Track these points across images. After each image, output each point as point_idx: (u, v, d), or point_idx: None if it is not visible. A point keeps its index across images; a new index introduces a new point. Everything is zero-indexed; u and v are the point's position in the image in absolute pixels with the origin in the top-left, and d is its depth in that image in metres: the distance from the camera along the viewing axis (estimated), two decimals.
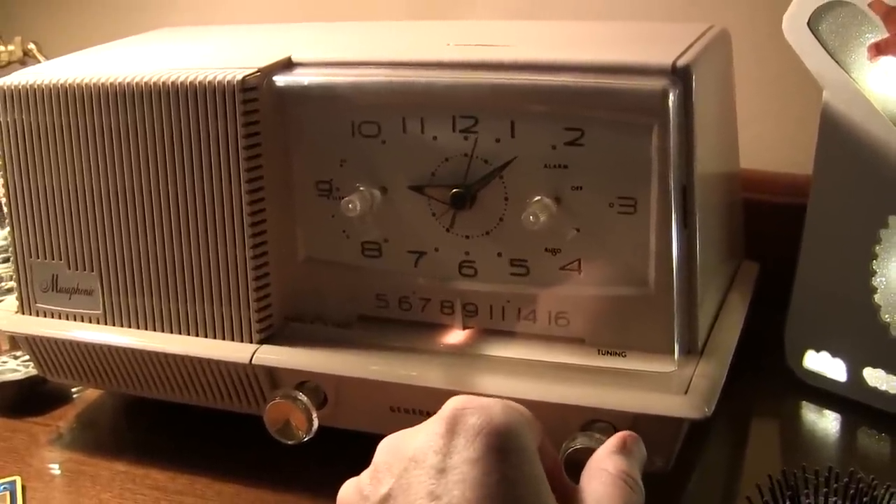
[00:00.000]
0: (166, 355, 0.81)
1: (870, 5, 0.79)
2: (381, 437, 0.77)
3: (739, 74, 0.89)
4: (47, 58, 1.13)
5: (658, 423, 0.70)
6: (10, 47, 1.18)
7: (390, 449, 0.58)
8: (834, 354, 0.87)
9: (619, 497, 0.58)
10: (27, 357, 0.94)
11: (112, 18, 1.35)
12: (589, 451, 0.67)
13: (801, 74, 0.85)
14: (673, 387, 0.71)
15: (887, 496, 0.66)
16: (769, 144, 1.06)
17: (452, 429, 0.55)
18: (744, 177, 0.95)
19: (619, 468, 0.60)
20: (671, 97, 0.69)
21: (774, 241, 0.92)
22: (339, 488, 0.70)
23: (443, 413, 0.57)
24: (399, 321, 0.79)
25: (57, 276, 0.85)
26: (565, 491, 0.60)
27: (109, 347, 0.84)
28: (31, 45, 1.19)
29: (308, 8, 1.26)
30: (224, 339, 0.80)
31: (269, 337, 0.80)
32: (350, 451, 0.74)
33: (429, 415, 0.75)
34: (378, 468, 0.58)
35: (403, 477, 0.55)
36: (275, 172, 0.78)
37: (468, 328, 0.77)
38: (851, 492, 0.67)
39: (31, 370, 0.94)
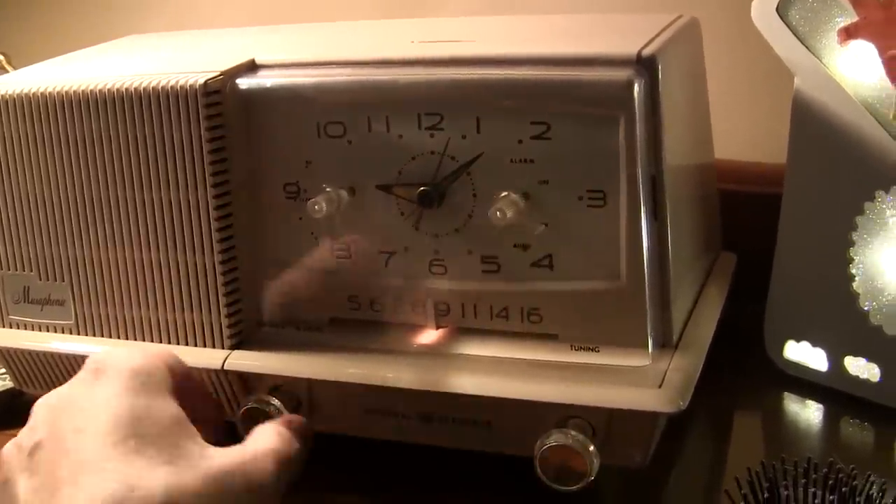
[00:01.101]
0: None
1: None
2: (358, 439, 0.77)
3: (711, 64, 0.89)
4: (16, 69, 1.12)
5: (633, 417, 0.69)
6: None
7: (45, 406, 0.64)
8: (814, 344, 0.87)
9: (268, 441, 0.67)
10: (2, 370, 0.93)
11: (83, 28, 1.35)
12: (564, 448, 0.67)
13: (772, 62, 0.84)
14: (647, 381, 0.70)
15: (868, 485, 0.66)
16: (743, 134, 1.05)
17: (95, 375, 0.64)
18: (718, 167, 0.94)
19: (277, 427, 0.69)
20: (636, 88, 0.68)
21: (751, 231, 0.92)
22: (315, 489, 0.70)
23: (87, 366, 0.66)
24: (371, 322, 0.78)
25: (28, 287, 0.85)
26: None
27: (83, 357, 0.83)
28: (0, 57, 1.19)
29: (278, 11, 1.26)
30: (196, 345, 0.80)
31: (241, 342, 0.79)
32: (326, 452, 0.74)
33: (404, 417, 0.75)
34: (34, 423, 0.63)
35: (55, 424, 0.62)
36: (241, 176, 0.77)
37: (441, 327, 0.77)
38: (831, 482, 0.66)
39: (8, 383, 0.93)
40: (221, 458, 0.62)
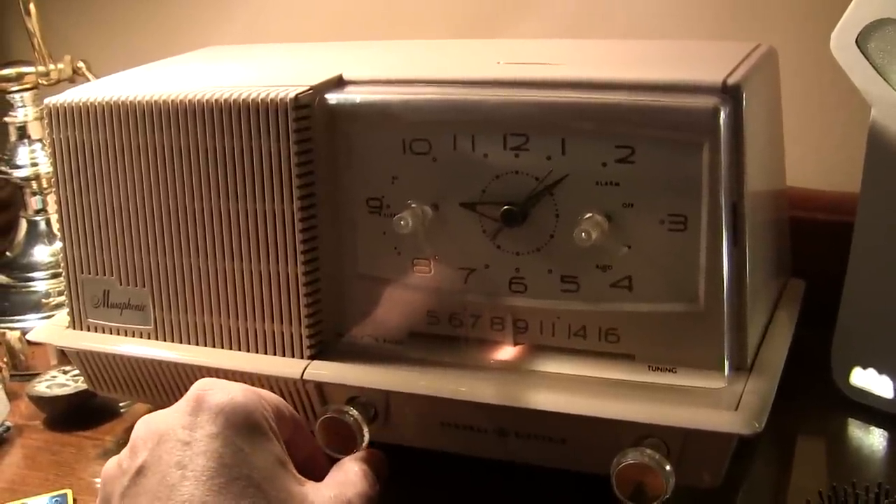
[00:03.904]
0: (217, 371, 0.81)
1: None
2: (432, 452, 0.78)
3: (784, 91, 0.89)
4: (97, 76, 1.14)
5: (708, 438, 0.70)
6: (60, 66, 1.19)
7: (146, 426, 0.66)
8: (881, 371, 0.88)
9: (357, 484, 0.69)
10: (77, 372, 0.95)
11: (160, 37, 1.36)
12: (641, 466, 0.68)
13: (846, 92, 0.85)
14: (723, 403, 0.71)
15: None
16: (813, 162, 1.06)
17: (198, 407, 0.64)
18: (789, 194, 0.95)
19: (362, 466, 0.71)
20: (722, 115, 0.69)
21: (818, 258, 0.92)
22: (387, 501, 0.71)
23: (190, 394, 0.65)
24: (450, 337, 0.79)
25: (108, 291, 0.86)
26: (322, 472, 0.71)
27: (160, 362, 0.84)
28: (81, 64, 1.20)
29: (353, 26, 1.27)
30: (275, 354, 0.81)
31: (320, 353, 0.81)
32: (400, 466, 0.75)
33: (480, 431, 0.76)
34: (135, 443, 0.65)
35: (156, 450, 0.63)
36: (326, 189, 0.79)
37: (518, 344, 0.78)
38: None
39: (81, 385, 0.95)
40: (321, 503, 0.65)
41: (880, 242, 0.86)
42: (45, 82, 1.20)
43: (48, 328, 0.92)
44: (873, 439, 0.87)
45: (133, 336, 0.86)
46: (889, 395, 0.87)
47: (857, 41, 0.82)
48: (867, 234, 0.87)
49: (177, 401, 0.85)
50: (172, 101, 0.80)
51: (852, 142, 0.88)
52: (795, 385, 0.84)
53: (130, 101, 0.81)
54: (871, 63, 0.82)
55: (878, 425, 0.88)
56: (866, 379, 0.89)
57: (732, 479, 0.76)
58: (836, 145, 1.06)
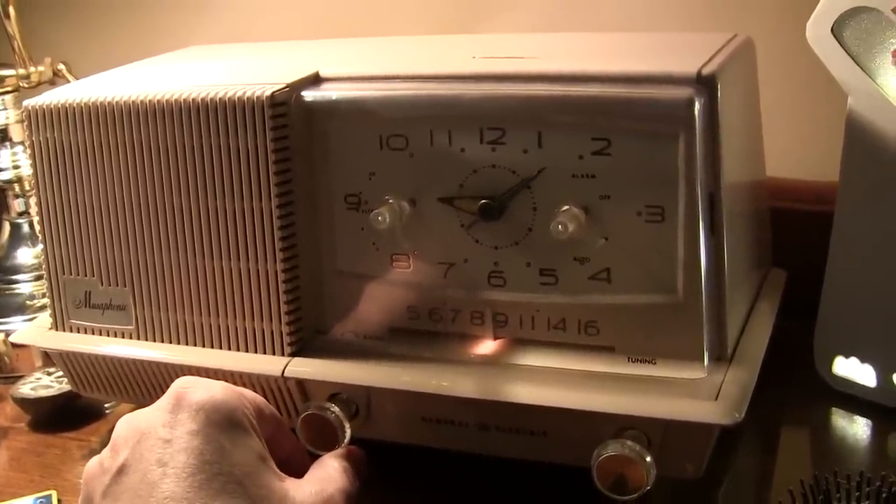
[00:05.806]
0: (198, 369, 0.81)
1: (894, 10, 0.79)
2: (413, 447, 0.78)
3: (763, 82, 0.89)
4: (77, 78, 1.14)
5: (689, 429, 0.70)
6: (40, 68, 1.19)
7: (127, 425, 0.66)
8: (863, 360, 0.88)
9: (338, 480, 0.69)
10: (60, 373, 0.95)
11: (140, 39, 1.36)
12: (622, 458, 0.68)
13: (825, 82, 0.85)
14: (703, 393, 0.71)
15: None
16: (794, 152, 1.06)
17: (178, 405, 0.64)
18: (770, 185, 0.95)
19: (342, 462, 0.72)
20: (697, 106, 0.69)
21: (801, 248, 0.92)
22: (370, 497, 0.71)
23: (170, 392, 0.65)
24: (430, 332, 0.79)
25: (90, 292, 0.86)
26: (302, 471, 0.71)
27: (142, 362, 0.84)
28: (61, 66, 1.20)
29: (332, 24, 1.27)
30: (256, 352, 0.81)
31: (301, 350, 0.81)
32: (381, 462, 0.75)
33: (461, 426, 0.76)
34: (116, 442, 0.65)
35: (136, 448, 0.63)
36: (304, 186, 0.79)
37: (499, 338, 0.78)
38: (884, 496, 0.67)
39: (65, 386, 0.94)
40: (302, 498, 0.65)
41: (860, 231, 0.86)
42: (26, 85, 1.19)
43: (31, 330, 0.92)
44: (857, 428, 0.87)
45: (115, 336, 0.86)
46: (871, 383, 0.87)
47: (832, 30, 0.82)
48: (847, 223, 0.87)
49: None
50: (151, 100, 0.80)
51: (833, 131, 0.87)
52: (779, 375, 0.84)
53: (109, 102, 0.81)
54: (846, 52, 0.82)
55: (862, 414, 0.88)
56: (849, 368, 0.89)
57: (715, 469, 0.76)
58: (817, 134, 1.06)
